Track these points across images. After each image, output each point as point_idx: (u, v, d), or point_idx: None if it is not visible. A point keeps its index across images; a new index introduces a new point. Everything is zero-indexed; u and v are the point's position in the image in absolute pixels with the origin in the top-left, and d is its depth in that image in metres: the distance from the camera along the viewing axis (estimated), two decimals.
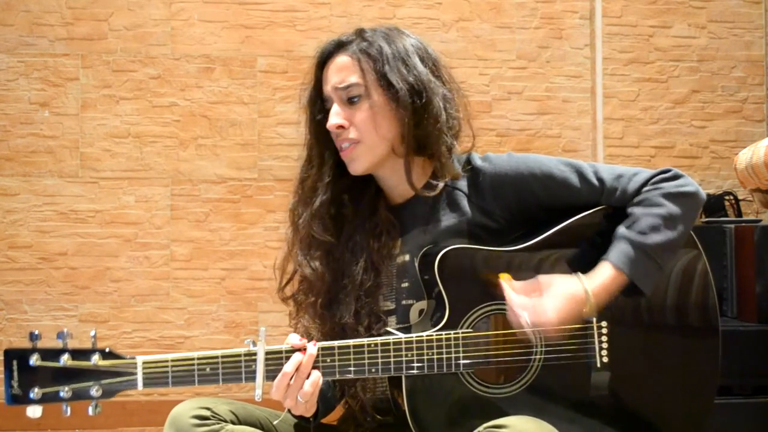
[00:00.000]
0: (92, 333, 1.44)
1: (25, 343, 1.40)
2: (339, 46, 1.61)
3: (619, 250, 1.51)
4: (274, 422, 1.63)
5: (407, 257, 1.61)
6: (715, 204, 3.37)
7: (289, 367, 1.44)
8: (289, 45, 3.45)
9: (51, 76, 3.37)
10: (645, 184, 1.56)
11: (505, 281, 1.50)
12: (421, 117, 1.56)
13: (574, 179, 1.58)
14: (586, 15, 3.59)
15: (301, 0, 3.47)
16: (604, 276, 1.51)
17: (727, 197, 3.43)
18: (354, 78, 1.57)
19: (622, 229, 1.53)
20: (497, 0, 3.55)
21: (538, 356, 1.54)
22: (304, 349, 1.45)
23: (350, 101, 1.58)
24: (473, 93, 3.47)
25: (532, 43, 3.57)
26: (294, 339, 1.48)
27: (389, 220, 1.63)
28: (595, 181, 1.57)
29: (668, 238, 1.52)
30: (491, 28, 3.55)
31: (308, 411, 1.49)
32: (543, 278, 1.51)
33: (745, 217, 3.40)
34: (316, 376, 1.45)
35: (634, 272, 1.50)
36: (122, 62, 3.40)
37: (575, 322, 1.50)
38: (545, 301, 1.47)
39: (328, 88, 1.61)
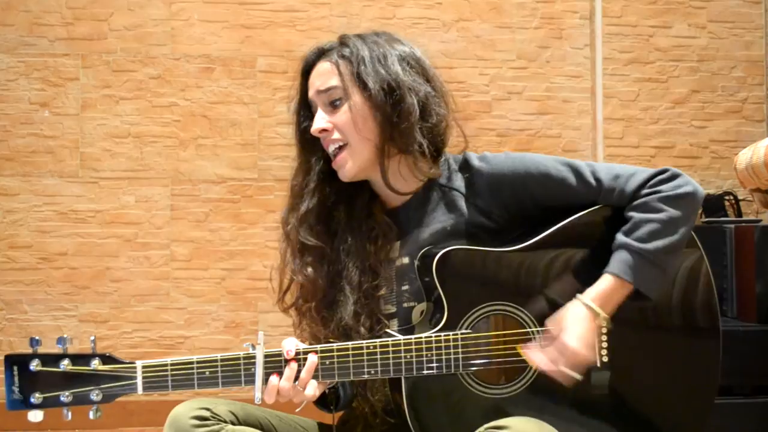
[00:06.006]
0: (92, 338, 1.45)
1: (25, 344, 1.42)
2: (320, 54, 1.64)
3: (618, 259, 1.52)
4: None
5: (406, 260, 1.61)
6: (715, 204, 3.37)
7: (284, 383, 1.46)
8: (289, 45, 3.45)
9: (51, 76, 3.37)
10: (643, 185, 1.56)
11: (521, 351, 1.52)
12: (394, 114, 1.57)
13: (572, 179, 1.58)
14: (586, 15, 3.59)
15: (301, 0, 3.47)
16: (604, 286, 1.52)
17: (727, 197, 3.43)
18: (334, 81, 1.60)
19: (621, 237, 1.53)
20: (497, 0, 3.55)
21: None
22: (294, 359, 1.46)
23: (333, 105, 1.61)
24: (473, 93, 3.47)
25: (532, 43, 3.57)
26: (288, 344, 1.48)
27: (386, 223, 1.63)
28: (592, 181, 1.57)
29: (669, 242, 1.52)
30: (491, 28, 3.55)
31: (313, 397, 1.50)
32: (551, 321, 1.52)
33: (745, 217, 3.40)
34: (313, 386, 1.46)
35: (636, 279, 1.51)
36: (122, 62, 3.40)
37: (596, 337, 1.51)
38: (564, 338, 1.48)
39: (311, 94, 1.64)
